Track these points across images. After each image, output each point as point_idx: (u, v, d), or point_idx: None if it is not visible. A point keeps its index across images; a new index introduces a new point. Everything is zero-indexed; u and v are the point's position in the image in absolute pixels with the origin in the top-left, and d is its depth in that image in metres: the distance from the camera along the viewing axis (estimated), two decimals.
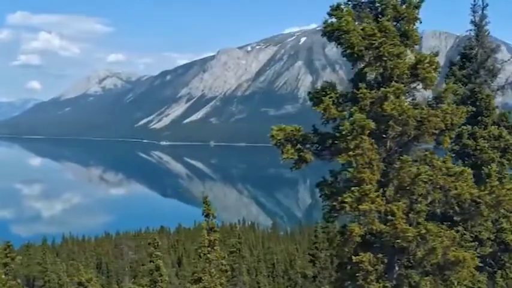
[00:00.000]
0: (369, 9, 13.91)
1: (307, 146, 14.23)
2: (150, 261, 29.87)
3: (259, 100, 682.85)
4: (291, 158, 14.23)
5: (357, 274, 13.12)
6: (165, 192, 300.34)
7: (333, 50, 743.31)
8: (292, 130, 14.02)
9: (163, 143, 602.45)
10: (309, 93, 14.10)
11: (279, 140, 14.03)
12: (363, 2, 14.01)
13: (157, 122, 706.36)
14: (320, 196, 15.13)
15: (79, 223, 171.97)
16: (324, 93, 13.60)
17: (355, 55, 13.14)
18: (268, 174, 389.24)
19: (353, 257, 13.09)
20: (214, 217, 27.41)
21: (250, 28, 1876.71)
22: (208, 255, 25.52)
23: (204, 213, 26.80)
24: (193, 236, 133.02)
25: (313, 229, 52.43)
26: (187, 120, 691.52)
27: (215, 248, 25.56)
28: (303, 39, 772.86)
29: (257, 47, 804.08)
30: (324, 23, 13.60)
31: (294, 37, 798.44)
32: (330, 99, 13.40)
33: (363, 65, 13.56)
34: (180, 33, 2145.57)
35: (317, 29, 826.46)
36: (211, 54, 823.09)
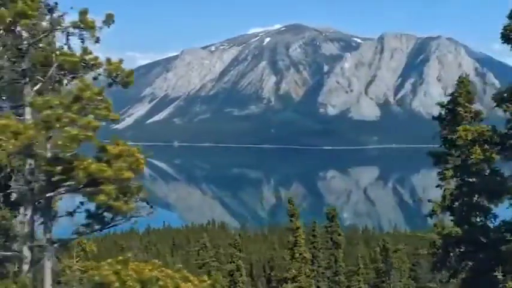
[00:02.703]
0: None
1: (491, 146, 14.57)
2: (231, 262, 29.11)
3: (223, 100, 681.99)
4: (478, 158, 14.49)
5: None
6: None
7: (296, 50, 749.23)
8: (482, 130, 14.31)
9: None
10: (496, 94, 14.29)
11: (467, 140, 14.26)
12: None
13: (121, 122, 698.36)
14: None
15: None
16: None
17: None
18: (232, 174, 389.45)
19: None
20: (298, 217, 27.16)
21: (214, 28, 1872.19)
22: (305, 254, 25.22)
23: (289, 213, 26.51)
24: (164, 237, 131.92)
25: (311, 228, 52.28)
26: (151, 120, 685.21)
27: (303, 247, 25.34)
28: (267, 40, 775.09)
29: (221, 47, 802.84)
30: (504, 27, 13.78)
31: (258, 37, 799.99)
32: None
33: None
34: (143, 32, 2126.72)
35: (281, 29, 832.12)
36: (175, 54, 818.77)
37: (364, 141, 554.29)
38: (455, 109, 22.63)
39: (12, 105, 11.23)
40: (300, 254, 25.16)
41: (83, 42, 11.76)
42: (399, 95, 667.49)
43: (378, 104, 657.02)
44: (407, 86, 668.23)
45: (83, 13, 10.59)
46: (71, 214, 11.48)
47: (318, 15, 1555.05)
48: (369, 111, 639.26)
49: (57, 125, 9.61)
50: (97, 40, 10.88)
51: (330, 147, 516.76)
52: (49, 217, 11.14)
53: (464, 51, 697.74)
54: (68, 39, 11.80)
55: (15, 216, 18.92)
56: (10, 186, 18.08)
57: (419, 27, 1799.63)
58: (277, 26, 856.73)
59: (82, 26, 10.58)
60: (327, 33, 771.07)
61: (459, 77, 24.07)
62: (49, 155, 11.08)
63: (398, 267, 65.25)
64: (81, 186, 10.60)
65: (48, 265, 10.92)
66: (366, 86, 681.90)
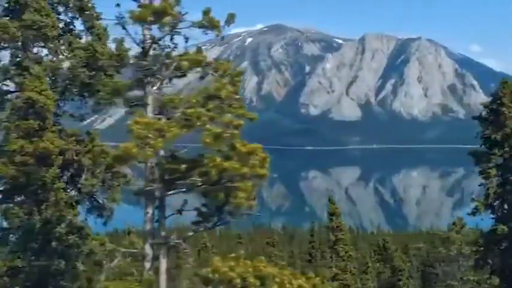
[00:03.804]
0: None
1: None
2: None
3: None
4: None
5: None
6: None
7: (278, 51, 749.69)
8: None
9: (108, 143, 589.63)
10: None
11: None
12: None
13: (102, 122, 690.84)
14: None
15: None
16: None
17: None
18: None
19: None
20: (339, 216, 27.11)
21: (196, 28, 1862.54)
22: (351, 253, 25.19)
23: (330, 212, 26.45)
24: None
25: (310, 228, 52.46)
26: None
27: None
28: (248, 40, 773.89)
29: (203, 47, 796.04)
30: None
31: (240, 38, 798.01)
32: None
33: None
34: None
35: (263, 29, 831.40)
36: None
37: (345, 142, 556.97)
38: (499, 109, 22.97)
39: (132, 104, 11.20)
40: (346, 252, 25.30)
41: (186, 41, 11.80)
42: (380, 96, 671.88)
43: (359, 105, 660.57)
44: (388, 86, 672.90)
45: (207, 12, 10.62)
46: (179, 212, 11.49)
47: (300, 15, 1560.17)
48: (350, 111, 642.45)
49: (198, 123, 9.63)
50: (222, 39, 10.91)
51: (312, 148, 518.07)
52: (164, 215, 11.17)
53: (444, 53, 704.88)
54: (172, 38, 11.83)
55: (76, 215, 19.01)
56: (78, 183, 18.10)
57: (400, 29, 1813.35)
58: (259, 26, 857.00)
59: (207, 25, 10.58)
60: (309, 33, 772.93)
61: (502, 79, 24.44)
62: (162, 153, 11.14)
63: (398, 266, 66.14)
64: (199, 184, 10.61)
65: (163, 262, 10.95)
66: (347, 86, 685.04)
